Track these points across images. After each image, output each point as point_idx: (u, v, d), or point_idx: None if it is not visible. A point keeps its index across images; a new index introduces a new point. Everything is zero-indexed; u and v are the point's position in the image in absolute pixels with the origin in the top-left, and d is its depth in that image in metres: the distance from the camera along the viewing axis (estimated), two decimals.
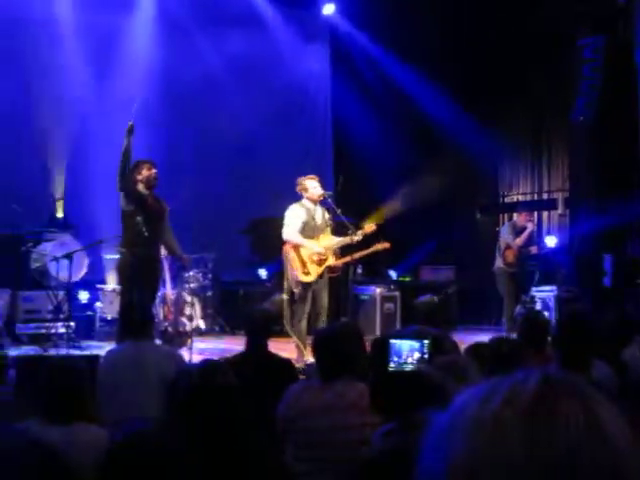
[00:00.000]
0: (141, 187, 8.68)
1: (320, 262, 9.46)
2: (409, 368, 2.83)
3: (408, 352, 2.88)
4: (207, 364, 3.09)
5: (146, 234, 8.63)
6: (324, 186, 9.67)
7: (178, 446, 2.25)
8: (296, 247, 9.47)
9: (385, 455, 2.78)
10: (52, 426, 3.84)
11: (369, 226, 9.85)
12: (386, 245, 9.96)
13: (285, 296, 9.57)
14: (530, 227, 12.15)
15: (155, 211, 8.79)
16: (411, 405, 2.77)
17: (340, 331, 4.70)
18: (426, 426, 1.15)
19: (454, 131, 13.99)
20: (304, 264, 9.45)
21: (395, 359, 2.84)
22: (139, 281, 8.61)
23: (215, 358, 3.27)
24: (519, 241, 11.95)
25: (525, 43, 13.83)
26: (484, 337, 5.57)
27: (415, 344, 2.88)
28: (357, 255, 9.88)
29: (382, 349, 2.77)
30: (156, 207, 8.81)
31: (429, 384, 2.79)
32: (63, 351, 9.07)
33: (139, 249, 8.67)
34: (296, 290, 9.47)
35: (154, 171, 8.75)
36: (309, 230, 9.51)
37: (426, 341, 2.87)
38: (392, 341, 2.81)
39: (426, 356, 2.86)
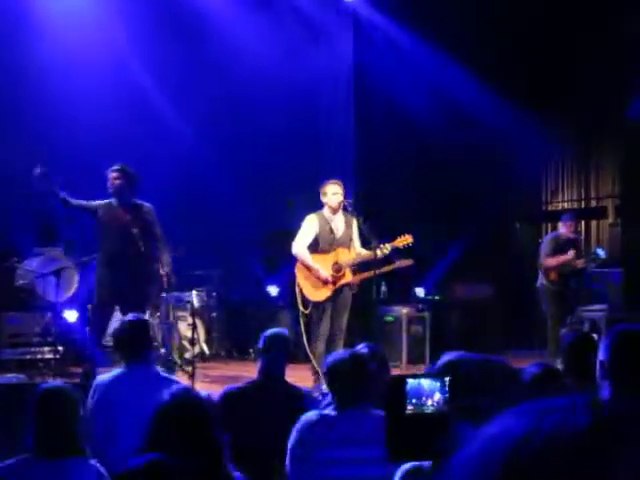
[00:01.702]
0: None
1: (334, 280, 9.49)
2: (429, 410, 2.86)
3: (428, 392, 2.90)
4: (181, 391, 3.21)
5: (116, 249, 8.95)
6: (346, 194, 9.71)
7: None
8: (304, 264, 9.54)
9: None
10: (42, 462, 3.90)
11: (403, 239, 9.65)
12: (409, 262, 9.94)
13: (301, 317, 9.62)
14: (573, 238, 12.01)
15: (126, 223, 9.01)
16: (430, 450, 2.82)
17: (356, 357, 4.76)
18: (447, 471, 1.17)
19: (491, 130, 13.97)
20: (315, 282, 9.50)
21: (414, 401, 2.86)
22: (111, 301, 9.07)
23: (194, 388, 3.40)
24: (552, 261, 11.75)
25: (573, 37, 13.80)
26: (526, 363, 5.58)
27: (435, 383, 2.90)
28: (376, 272, 9.87)
29: (398, 389, 2.80)
30: (125, 218, 9.03)
31: (448, 427, 2.83)
32: (49, 379, 9.15)
33: (104, 266, 9.14)
34: (305, 311, 9.53)
35: (110, 175, 9.10)
36: (325, 243, 9.55)
37: (447, 379, 2.90)
38: (410, 380, 2.84)
39: (446, 396, 2.89)
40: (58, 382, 4.51)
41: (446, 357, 3.21)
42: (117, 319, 9.59)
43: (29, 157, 11.45)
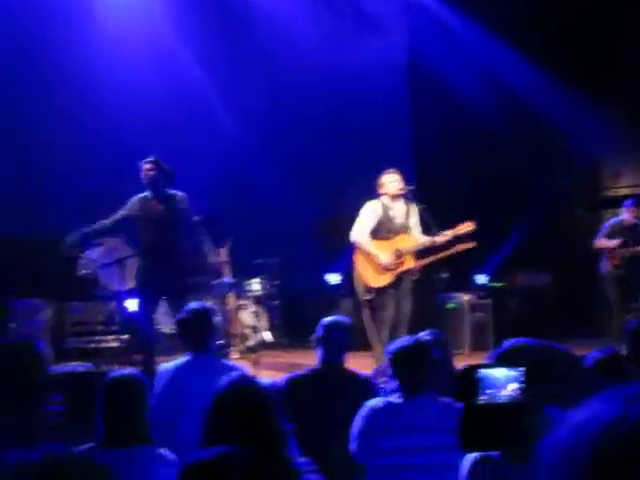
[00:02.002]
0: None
1: (395, 267, 9.46)
2: (503, 400, 2.83)
3: (503, 382, 2.86)
4: (238, 379, 3.19)
5: (151, 241, 9.00)
6: (406, 181, 9.67)
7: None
8: (364, 250, 9.52)
9: None
10: (109, 450, 3.92)
11: (464, 226, 9.59)
12: (470, 245, 9.84)
13: (363, 305, 9.60)
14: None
15: (159, 215, 9.04)
16: (504, 440, 2.79)
17: (420, 344, 4.73)
18: (535, 457, 1.16)
19: (545, 114, 13.82)
20: (376, 268, 9.47)
21: (487, 391, 2.82)
22: (151, 293, 9.07)
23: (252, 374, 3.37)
24: (598, 243, 11.65)
25: (634, 10, 13.61)
26: (586, 350, 5.52)
27: (510, 373, 2.86)
28: (438, 256, 9.83)
29: (469, 379, 2.76)
30: (158, 209, 9.06)
31: (526, 416, 2.79)
32: (116, 367, 9.23)
33: (141, 259, 9.20)
34: (368, 297, 9.50)
35: (144, 166, 9.09)
36: (385, 230, 9.53)
37: (522, 369, 2.86)
38: (483, 370, 2.80)
39: (523, 385, 2.84)
40: (126, 370, 4.51)
41: (508, 343, 3.18)
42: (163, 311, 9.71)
43: (86, 149, 11.62)
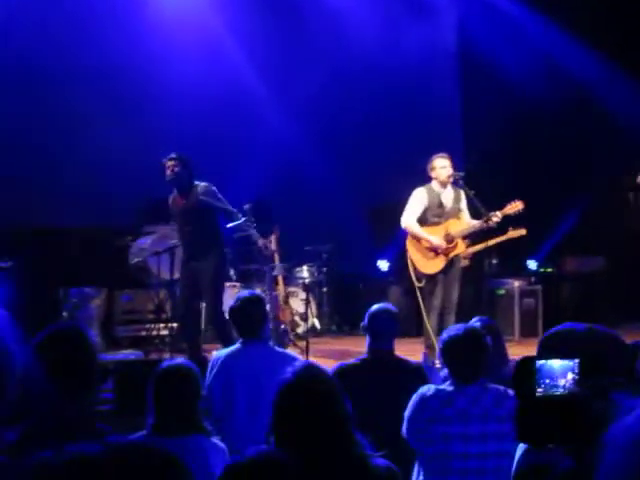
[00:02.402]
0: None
1: (446, 251, 9.41)
2: (560, 392, 2.78)
3: (561, 373, 2.81)
4: (304, 368, 3.14)
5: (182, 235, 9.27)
6: (456, 167, 9.61)
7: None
8: (415, 236, 9.48)
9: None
10: (161, 439, 3.91)
11: (513, 205, 9.53)
12: (522, 232, 9.76)
13: (417, 291, 9.55)
14: None
15: (184, 209, 9.20)
16: (561, 434, 2.74)
17: (473, 332, 4.69)
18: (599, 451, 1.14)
19: (600, 94, 13.65)
20: (426, 254, 9.43)
21: (547, 381, 2.78)
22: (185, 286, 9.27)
23: (316, 363, 3.32)
24: None
25: None
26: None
27: (568, 364, 2.81)
28: (489, 243, 9.78)
29: (527, 371, 2.71)
30: (182, 204, 9.22)
31: (585, 408, 2.74)
32: (166, 355, 9.27)
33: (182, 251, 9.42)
34: (419, 284, 9.46)
35: (168, 163, 9.20)
36: (435, 216, 9.48)
37: (576, 361, 2.81)
38: (540, 362, 2.75)
39: (576, 378, 2.80)
40: (179, 359, 4.51)
41: (553, 330, 3.13)
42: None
43: (137, 141, 11.69)
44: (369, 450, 3.10)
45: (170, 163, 9.13)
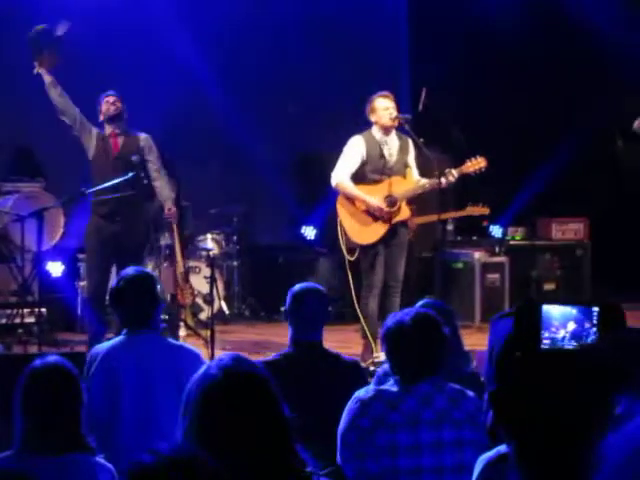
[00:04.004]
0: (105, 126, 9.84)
1: (387, 215, 9.44)
2: (568, 346, 2.84)
3: (560, 321, 2.88)
4: (232, 361, 3.13)
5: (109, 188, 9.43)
6: (400, 109, 9.65)
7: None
8: (349, 197, 9.52)
9: None
10: (33, 459, 3.90)
11: (473, 162, 9.60)
12: (484, 210, 9.93)
13: (347, 265, 9.60)
14: None
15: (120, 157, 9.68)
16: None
17: (426, 317, 4.72)
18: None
19: (584, 25, 13.78)
20: (362, 219, 9.47)
21: (548, 333, 2.84)
22: (104, 252, 9.59)
23: (244, 355, 3.26)
24: None
25: None
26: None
27: (572, 311, 2.88)
28: (441, 216, 9.86)
29: (532, 318, 2.75)
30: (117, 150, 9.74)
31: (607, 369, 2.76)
32: (34, 349, 9.21)
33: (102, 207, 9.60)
34: (350, 257, 9.51)
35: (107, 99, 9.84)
36: (375, 171, 9.50)
37: (595, 308, 2.87)
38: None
39: (590, 329, 2.85)
40: (52, 356, 4.44)
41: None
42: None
43: None
44: (311, 467, 3.11)
45: (113, 98, 9.81)
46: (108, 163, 9.66)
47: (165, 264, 11.15)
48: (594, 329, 2.84)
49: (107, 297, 9.78)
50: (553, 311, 2.84)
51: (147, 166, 9.80)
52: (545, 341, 2.84)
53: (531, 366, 2.74)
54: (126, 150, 9.72)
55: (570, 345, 2.88)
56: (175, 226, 10.24)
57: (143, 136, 9.89)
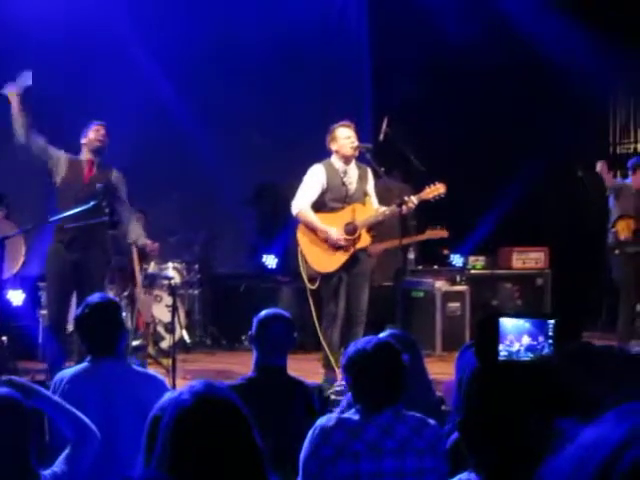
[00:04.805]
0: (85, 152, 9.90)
1: (347, 243, 9.48)
2: (529, 357, 2.90)
3: (515, 334, 2.95)
4: (204, 388, 3.13)
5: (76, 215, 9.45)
6: (360, 139, 9.71)
7: None
8: (309, 226, 9.57)
9: None
10: None
11: (433, 189, 9.65)
12: (442, 233, 10.02)
13: (308, 294, 9.63)
14: None
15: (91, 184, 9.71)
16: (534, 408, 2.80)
17: (386, 346, 4.75)
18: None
19: (546, 51, 13.86)
20: (323, 248, 9.51)
21: (504, 345, 2.92)
22: (64, 279, 9.68)
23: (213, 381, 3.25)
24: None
25: None
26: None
27: (525, 324, 2.96)
28: (402, 241, 9.88)
29: (489, 331, 2.81)
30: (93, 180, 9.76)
31: (562, 384, 2.80)
32: None
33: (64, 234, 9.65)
34: (311, 286, 9.55)
35: (96, 129, 9.92)
36: (335, 200, 9.56)
37: (551, 322, 2.94)
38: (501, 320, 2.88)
39: (544, 342, 2.91)
40: (2, 389, 4.38)
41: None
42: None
43: None
44: None
45: (103, 131, 9.91)
46: (77, 189, 9.70)
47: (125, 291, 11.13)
48: (549, 341, 2.91)
49: (67, 325, 9.91)
50: (508, 324, 2.91)
51: (115, 202, 9.82)
52: (502, 353, 2.92)
53: (490, 377, 2.81)
54: (97, 180, 9.73)
55: (526, 357, 2.96)
56: (135, 252, 10.30)
57: (116, 172, 9.96)
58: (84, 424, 4.74)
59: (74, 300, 9.77)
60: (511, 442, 2.80)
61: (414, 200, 9.47)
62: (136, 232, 9.98)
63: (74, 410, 4.81)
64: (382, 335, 5.53)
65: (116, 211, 9.86)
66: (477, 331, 2.92)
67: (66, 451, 4.60)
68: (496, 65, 13.88)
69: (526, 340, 2.98)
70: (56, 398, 4.89)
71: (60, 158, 9.79)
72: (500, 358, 2.96)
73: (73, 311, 9.66)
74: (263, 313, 5.96)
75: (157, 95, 13.09)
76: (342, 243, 9.44)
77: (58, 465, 4.47)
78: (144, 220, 11.18)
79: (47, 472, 4.34)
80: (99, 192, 9.53)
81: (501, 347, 2.96)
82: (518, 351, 2.98)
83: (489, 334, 2.90)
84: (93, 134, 9.84)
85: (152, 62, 13.16)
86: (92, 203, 9.41)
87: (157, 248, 10.13)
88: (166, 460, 2.89)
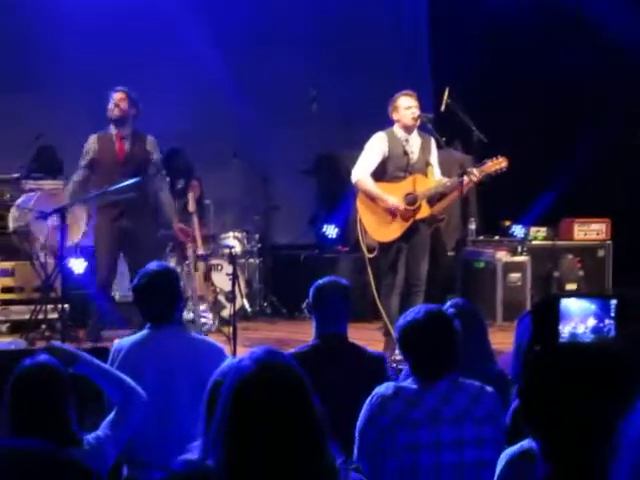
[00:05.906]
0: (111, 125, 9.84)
1: (406, 214, 9.43)
2: (586, 340, 2.85)
3: (580, 317, 2.90)
4: (266, 354, 3.10)
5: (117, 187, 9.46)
6: (423, 108, 9.66)
7: None
8: (368, 194, 9.53)
9: None
10: None
11: (495, 162, 9.51)
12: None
13: (368, 264, 9.61)
14: None
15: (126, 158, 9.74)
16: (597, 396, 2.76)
17: (438, 315, 4.71)
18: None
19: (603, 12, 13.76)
20: (382, 217, 9.47)
21: (568, 328, 2.87)
22: (111, 242, 9.92)
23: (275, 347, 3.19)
24: None
25: None
26: None
27: (591, 306, 2.90)
28: (462, 191, 9.65)
29: (549, 313, 2.76)
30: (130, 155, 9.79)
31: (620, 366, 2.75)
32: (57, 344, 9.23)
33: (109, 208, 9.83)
34: (370, 255, 9.52)
35: (113, 96, 9.83)
36: (397, 169, 9.52)
37: (613, 301, 2.87)
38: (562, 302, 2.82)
39: (610, 323, 2.85)
40: (42, 356, 4.42)
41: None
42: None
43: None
44: (340, 461, 3.09)
45: (118, 96, 9.73)
46: (114, 167, 9.77)
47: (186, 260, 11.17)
48: (613, 323, 2.85)
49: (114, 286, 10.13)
50: (572, 306, 2.85)
51: (149, 168, 9.87)
52: (564, 335, 2.86)
53: (550, 359, 2.77)
54: (132, 154, 9.77)
55: (588, 338, 2.91)
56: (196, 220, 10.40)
57: (150, 139, 9.92)
58: (130, 388, 4.78)
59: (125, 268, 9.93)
60: (572, 420, 2.78)
61: (476, 172, 9.37)
62: (169, 210, 10.15)
63: (119, 374, 4.86)
64: (447, 304, 5.52)
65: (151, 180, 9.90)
66: (535, 313, 2.87)
67: (111, 415, 4.65)
68: (559, 33, 13.77)
69: (591, 322, 2.93)
70: (99, 363, 4.92)
71: (89, 142, 9.91)
72: (562, 340, 2.90)
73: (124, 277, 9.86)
74: (321, 281, 5.95)
75: (214, 69, 13.09)
76: (400, 208, 9.38)
77: (102, 429, 4.52)
78: (199, 188, 11.17)
79: (90, 436, 4.39)
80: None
81: (566, 329, 2.90)
82: (583, 333, 2.93)
83: (549, 315, 2.85)
84: (111, 104, 9.77)
85: (205, 31, 13.16)
86: (136, 179, 9.46)
87: (187, 231, 10.15)
88: (225, 426, 2.87)
